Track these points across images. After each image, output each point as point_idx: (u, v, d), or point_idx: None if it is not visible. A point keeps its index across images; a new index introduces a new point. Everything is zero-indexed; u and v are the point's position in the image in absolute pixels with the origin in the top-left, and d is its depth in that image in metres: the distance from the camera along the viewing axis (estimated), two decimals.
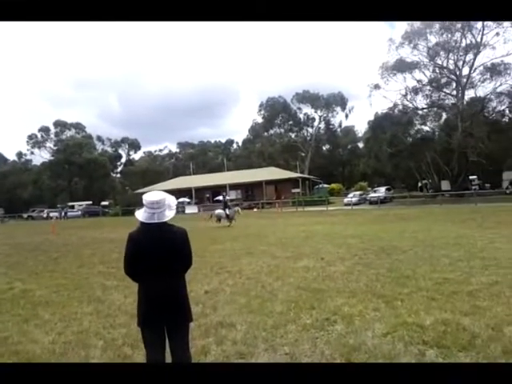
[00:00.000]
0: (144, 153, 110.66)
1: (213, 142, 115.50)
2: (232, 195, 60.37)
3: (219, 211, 25.67)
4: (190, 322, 3.66)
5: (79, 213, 60.87)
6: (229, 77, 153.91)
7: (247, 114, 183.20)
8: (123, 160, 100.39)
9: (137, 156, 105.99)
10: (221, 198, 56.59)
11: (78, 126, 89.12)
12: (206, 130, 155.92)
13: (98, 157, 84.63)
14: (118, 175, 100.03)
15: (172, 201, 3.62)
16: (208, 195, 63.24)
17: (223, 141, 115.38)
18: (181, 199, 57.00)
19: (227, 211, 25.08)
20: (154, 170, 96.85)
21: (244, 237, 17.70)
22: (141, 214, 3.50)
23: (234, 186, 61.21)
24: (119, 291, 8.23)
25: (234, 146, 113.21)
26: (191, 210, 52.34)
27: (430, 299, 6.54)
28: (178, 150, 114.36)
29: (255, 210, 48.71)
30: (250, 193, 62.58)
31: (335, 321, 5.76)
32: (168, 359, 3.62)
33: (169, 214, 3.51)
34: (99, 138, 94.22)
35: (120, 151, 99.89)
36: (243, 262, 11.01)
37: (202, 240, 16.39)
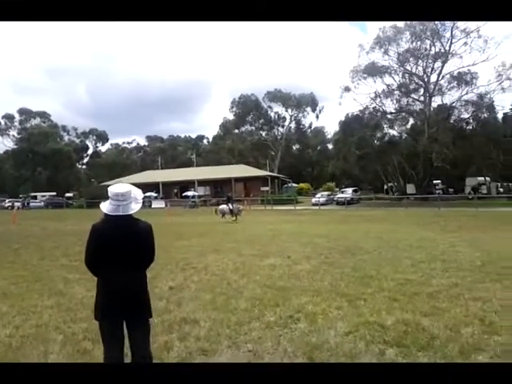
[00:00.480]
0: (111, 145, 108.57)
1: (183, 136, 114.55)
2: (200, 191, 60.18)
3: (223, 206, 26.12)
4: (150, 318, 3.61)
5: (42, 204, 59.25)
6: (201, 72, 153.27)
7: (219, 111, 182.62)
8: (90, 151, 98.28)
9: (104, 148, 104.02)
10: (189, 193, 56.43)
11: (44, 115, 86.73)
12: (177, 124, 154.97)
13: (64, 147, 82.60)
14: (84, 167, 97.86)
15: (138, 194, 3.56)
16: (176, 190, 62.75)
17: (193, 136, 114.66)
18: (148, 193, 56.28)
19: (230, 206, 25.36)
20: (121, 163, 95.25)
21: (211, 233, 17.64)
22: (105, 206, 3.43)
23: (202, 182, 60.96)
24: (81, 285, 8.04)
25: (205, 141, 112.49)
26: (158, 204, 51.75)
27: (391, 299, 6.67)
28: (146, 144, 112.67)
29: None
30: (219, 189, 62.38)
31: (299, 319, 5.80)
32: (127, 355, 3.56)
33: (134, 207, 3.45)
34: (64, 128, 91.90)
35: (87, 142, 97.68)
36: (209, 259, 10.97)
37: (168, 235, 16.24)
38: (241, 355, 4.68)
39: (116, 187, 3.45)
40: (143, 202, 3.63)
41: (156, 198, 57.71)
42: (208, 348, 4.88)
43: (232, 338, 5.17)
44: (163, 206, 50.45)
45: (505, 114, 52.75)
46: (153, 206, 50.67)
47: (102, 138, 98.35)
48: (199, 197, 56.29)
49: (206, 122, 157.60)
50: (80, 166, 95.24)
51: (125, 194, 3.39)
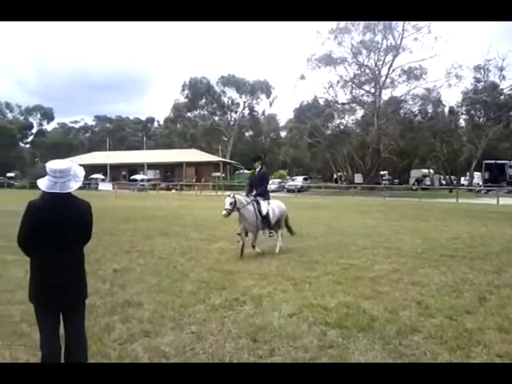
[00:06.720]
0: (58, 124, 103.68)
1: (132, 118, 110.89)
2: (150, 175, 58.98)
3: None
4: (85, 299, 3.49)
5: None
6: (152, 53, 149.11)
7: (170, 93, 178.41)
8: (34, 130, 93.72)
9: (50, 127, 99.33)
10: (138, 177, 55.12)
11: None
12: (126, 105, 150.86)
13: (7, 124, 78.39)
14: (28, 146, 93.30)
15: (79, 171, 3.35)
16: (124, 173, 61.10)
17: (143, 118, 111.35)
18: (95, 175, 54.64)
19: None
20: (68, 143, 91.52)
21: (159, 217, 17.34)
22: (43, 182, 3.23)
23: (152, 166, 59.75)
24: (20, 266, 7.68)
25: (155, 124, 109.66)
26: (105, 187, 50.33)
27: (335, 283, 6.84)
28: (94, 124, 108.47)
29: (173, 191, 47.99)
30: (169, 173, 61.47)
31: (244, 301, 5.84)
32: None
33: (73, 185, 3.24)
34: (8, 106, 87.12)
35: (31, 120, 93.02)
36: (156, 243, 10.81)
37: (115, 218, 15.86)
38: (184, 337, 4.66)
39: (54, 163, 3.26)
40: (90, 185, 3.46)
41: (103, 180, 56.10)
42: (151, 330, 4.83)
43: (176, 320, 5.14)
44: (110, 188, 49.08)
45: (451, 107, 54.68)
46: (100, 189, 49.28)
47: (48, 116, 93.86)
48: (148, 180, 55.20)
49: (157, 104, 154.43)
50: (23, 145, 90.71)
51: (63, 171, 3.20)
